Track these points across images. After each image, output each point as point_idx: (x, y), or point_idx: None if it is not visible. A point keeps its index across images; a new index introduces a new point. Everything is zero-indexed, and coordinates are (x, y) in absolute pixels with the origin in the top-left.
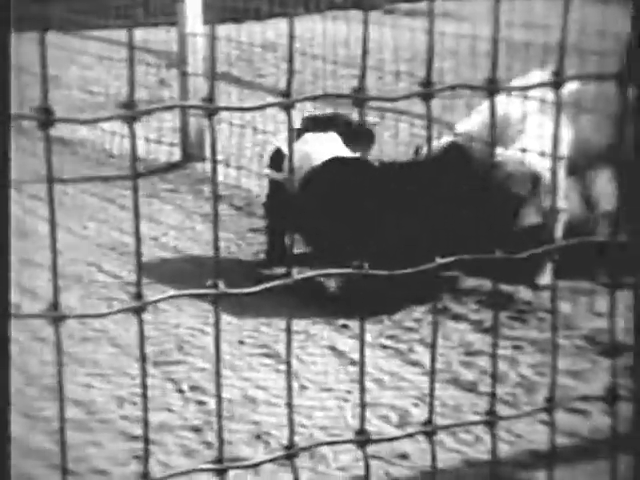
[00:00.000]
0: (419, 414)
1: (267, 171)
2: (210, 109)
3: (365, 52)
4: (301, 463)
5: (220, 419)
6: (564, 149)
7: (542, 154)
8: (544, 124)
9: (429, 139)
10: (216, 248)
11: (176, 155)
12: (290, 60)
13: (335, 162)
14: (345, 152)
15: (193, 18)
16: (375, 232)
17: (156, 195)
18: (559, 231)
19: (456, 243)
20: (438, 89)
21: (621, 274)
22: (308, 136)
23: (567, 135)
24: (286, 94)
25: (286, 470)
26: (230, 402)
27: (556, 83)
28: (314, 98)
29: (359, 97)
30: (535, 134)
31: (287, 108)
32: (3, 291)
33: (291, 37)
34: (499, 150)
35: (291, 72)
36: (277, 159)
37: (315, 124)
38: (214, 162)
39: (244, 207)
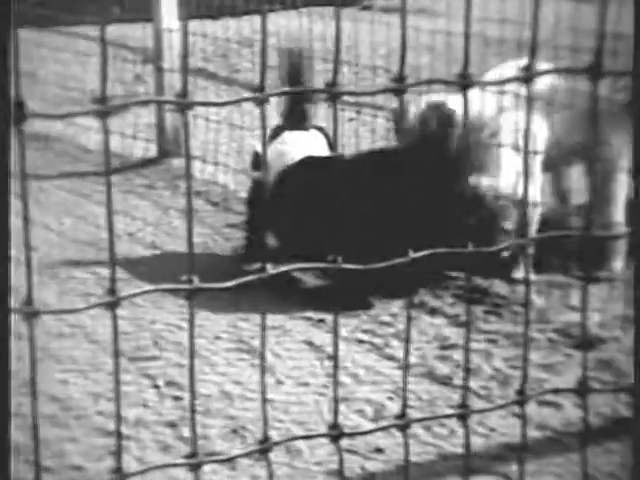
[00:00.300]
0: (395, 408)
1: (247, 169)
2: (183, 104)
3: (338, 47)
4: (277, 458)
5: (193, 413)
6: (540, 145)
7: (517, 148)
8: (519, 121)
9: (400, 132)
10: (190, 243)
11: (152, 151)
12: (263, 54)
13: (308, 161)
14: (322, 150)
15: (169, 14)
16: (350, 228)
17: (132, 191)
18: (533, 225)
19: (429, 235)
20: (410, 84)
21: (594, 268)
22: (286, 135)
23: (542, 131)
24: (260, 89)
25: (262, 465)
26: (206, 397)
27: (527, 78)
28: (288, 93)
29: (332, 91)
30: (511, 131)
31: (261, 103)
32: (3, 289)
33: (264, 31)
34: (477, 180)
35: (264, 67)
36: (258, 159)
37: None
38: (188, 157)
39: (221, 203)
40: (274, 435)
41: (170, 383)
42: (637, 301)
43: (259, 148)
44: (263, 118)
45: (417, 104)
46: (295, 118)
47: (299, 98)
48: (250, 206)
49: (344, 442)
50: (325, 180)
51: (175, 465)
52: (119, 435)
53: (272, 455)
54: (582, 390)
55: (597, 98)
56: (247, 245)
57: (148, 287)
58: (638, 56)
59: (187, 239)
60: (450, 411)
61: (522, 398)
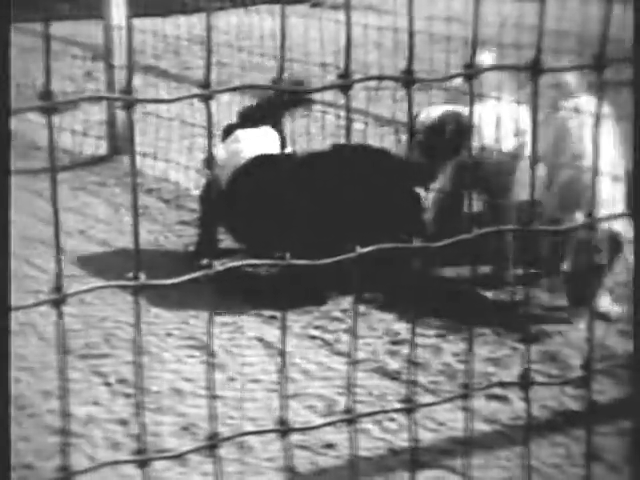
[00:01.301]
0: (346, 403)
1: (201, 168)
2: (128, 101)
3: (284, 45)
4: (228, 454)
5: (142, 410)
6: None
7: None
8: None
9: (348, 129)
10: (136, 239)
11: (103, 148)
12: (208, 51)
13: (259, 160)
14: (273, 148)
15: (118, 11)
16: (301, 226)
17: (84, 188)
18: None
19: (380, 232)
20: (356, 80)
21: (536, 264)
22: (239, 133)
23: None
24: (205, 85)
25: (213, 461)
26: (157, 394)
27: (469, 75)
28: (232, 89)
29: (277, 88)
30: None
31: (206, 99)
32: (3, 284)
33: (209, 29)
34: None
35: (209, 64)
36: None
37: (252, 115)
38: (132, 154)
39: (172, 200)
40: (225, 432)
41: (121, 381)
42: (636, 294)
43: (212, 148)
44: (209, 115)
45: (429, 112)
46: (249, 117)
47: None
48: (203, 203)
49: (295, 438)
50: (277, 178)
51: (123, 462)
52: (65, 433)
53: (223, 451)
54: (524, 383)
55: (537, 94)
56: (199, 242)
57: (99, 284)
58: (638, 50)
59: (133, 235)
60: (398, 406)
61: (467, 392)
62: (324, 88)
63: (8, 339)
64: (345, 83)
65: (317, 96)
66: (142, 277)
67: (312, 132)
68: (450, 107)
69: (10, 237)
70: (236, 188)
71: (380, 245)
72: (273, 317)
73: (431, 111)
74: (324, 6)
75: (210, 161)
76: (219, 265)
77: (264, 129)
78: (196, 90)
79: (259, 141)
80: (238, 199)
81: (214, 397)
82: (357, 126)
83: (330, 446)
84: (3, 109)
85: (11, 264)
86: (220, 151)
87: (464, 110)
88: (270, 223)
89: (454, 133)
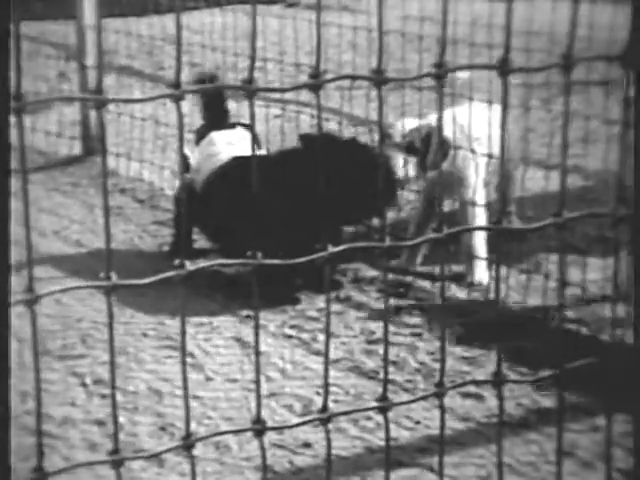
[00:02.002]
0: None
1: (176, 172)
2: (99, 101)
3: (254, 45)
4: (206, 454)
5: (117, 410)
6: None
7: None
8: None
9: (319, 128)
10: (108, 239)
11: (77, 148)
12: (178, 51)
13: (235, 162)
14: (248, 149)
15: (92, 11)
16: (275, 225)
17: (58, 189)
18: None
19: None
20: (326, 80)
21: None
22: (214, 135)
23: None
24: (176, 85)
25: (190, 461)
26: (134, 394)
27: (439, 75)
28: (203, 90)
29: (248, 88)
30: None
31: (177, 100)
32: (3, 283)
33: (178, 28)
34: None
35: (179, 64)
36: (187, 161)
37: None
38: (104, 154)
39: (147, 200)
40: (202, 432)
41: (98, 381)
42: (637, 291)
43: (187, 151)
44: (180, 115)
45: (404, 125)
46: (216, 118)
47: (216, 98)
48: (178, 203)
49: (273, 437)
50: (251, 179)
51: (97, 463)
52: (40, 434)
53: (201, 451)
54: (497, 381)
55: (507, 92)
56: (174, 242)
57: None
58: (638, 50)
59: (105, 235)
60: (374, 404)
61: (440, 390)
62: (294, 88)
63: (8, 338)
64: (315, 83)
65: (291, 96)
66: (114, 277)
67: (286, 132)
68: (424, 121)
69: (10, 236)
70: (212, 190)
71: (351, 244)
72: (249, 317)
73: (405, 123)
74: (299, 7)
75: (182, 161)
76: (192, 265)
77: (239, 130)
78: (168, 90)
79: (234, 143)
80: (213, 201)
81: (190, 397)
82: (331, 126)
83: (307, 445)
84: (3, 109)
85: None
86: (195, 154)
87: (436, 121)
88: (245, 223)
89: (433, 148)
